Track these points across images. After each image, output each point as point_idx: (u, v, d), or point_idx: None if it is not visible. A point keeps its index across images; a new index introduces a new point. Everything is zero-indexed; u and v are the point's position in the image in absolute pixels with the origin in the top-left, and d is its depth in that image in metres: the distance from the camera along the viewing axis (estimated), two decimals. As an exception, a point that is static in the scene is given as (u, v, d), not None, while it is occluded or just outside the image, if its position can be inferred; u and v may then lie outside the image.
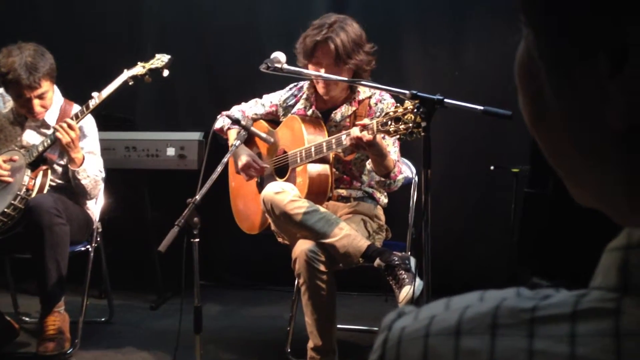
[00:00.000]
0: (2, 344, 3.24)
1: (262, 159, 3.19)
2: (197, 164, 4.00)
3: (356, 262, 2.79)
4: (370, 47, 2.96)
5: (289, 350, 3.14)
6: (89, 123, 3.36)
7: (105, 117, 3.84)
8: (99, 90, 3.17)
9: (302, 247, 2.73)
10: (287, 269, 2.83)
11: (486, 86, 3.83)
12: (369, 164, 3.02)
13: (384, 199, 3.13)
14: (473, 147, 4.11)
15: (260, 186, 3.17)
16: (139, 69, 3.20)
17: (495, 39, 3.90)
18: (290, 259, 2.79)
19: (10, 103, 3.35)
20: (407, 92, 2.32)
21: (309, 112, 3.09)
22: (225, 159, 2.67)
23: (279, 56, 2.69)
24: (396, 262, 2.69)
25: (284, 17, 4.31)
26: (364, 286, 4.06)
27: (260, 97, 3.26)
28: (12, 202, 3.14)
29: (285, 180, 3.01)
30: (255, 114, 3.22)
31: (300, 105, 3.13)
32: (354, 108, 3.03)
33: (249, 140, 3.11)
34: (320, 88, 3.00)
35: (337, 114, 3.04)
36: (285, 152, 3.07)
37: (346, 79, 2.87)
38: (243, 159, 3.08)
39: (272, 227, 2.97)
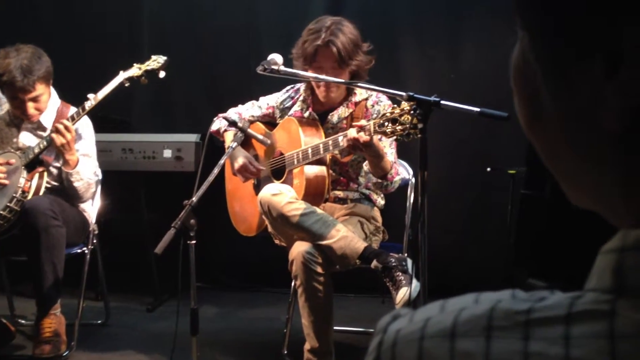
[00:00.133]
0: (-2, 346, 3.24)
1: (259, 161, 3.19)
2: (194, 166, 4.00)
3: (353, 264, 2.78)
4: (367, 46, 2.97)
5: (285, 352, 3.13)
6: (85, 125, 3.35)
7: (102, 119, 3.83)
8: (96, 92, 3.16)
9: (299, 248, 2.73)
10: (284, 270, 2.83)
11: (483, 88, 3.83)
12: (365, 166, 3.02)
13: (380, 201, 3.13)
14: (470, 149, 4.11)
15: (257, 188, 3.17)
16: (135, 70, 3.20)
17: (492, 41, 3.90)
18: (287, 260, 2.79)
19: (6, 105, 3.35)
20: (403, 93, 2.32)
21: (306, 114, 3.09)
22: (221, 161, 2.66)
23: (276, 58, 2.69)
24: (393, 264, 2.68)
25: (281, 19, 4.32)
26: (361, 288, 4.06)
27: (257, 99, 3.26)
28: (8, 204, 3.13)
29: (282, 182, 3.01)
30: (252, 116, 3.22)
31: (297, 107, 3.13)
32: (350, 110, 3.04)
33: (246, 142, 3.11)
34: (321, 92, 3.00)
35: (334, 116, 3.04)
36: (282, 154, 3.07)
37: (342, 80, 2.87)
38: (239, 161, 3.08)
39: (269, 228, 2.96)
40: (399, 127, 2.41)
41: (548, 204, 2.69)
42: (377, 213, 3.11)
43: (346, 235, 2.74)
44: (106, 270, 3.65)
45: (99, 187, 3.47)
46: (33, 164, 3.26)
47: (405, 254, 2.97)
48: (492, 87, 3.50)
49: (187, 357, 2.66)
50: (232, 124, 2.90)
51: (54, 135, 3.14)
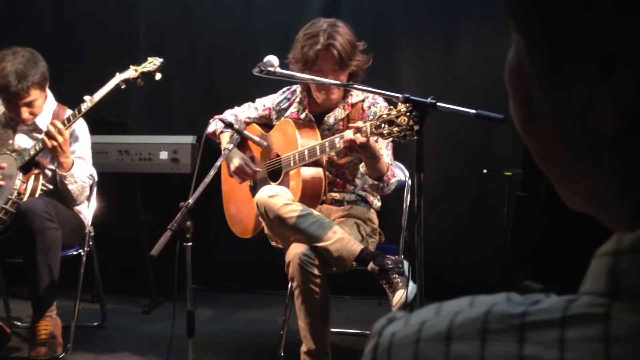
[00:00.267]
0: (-7, 348, 3.23)
1: (255, 162, 3.19)
2: (190, 168, 4.00)
3: (350, 266, 2.78)
4: (362, 45, 2.98)
5: (282, 354, 3.13)
6: (81, 127, 3.35)
7: (98, 121, 3.83)
8: (92, 93, 3.16)
9: (296, 250, 2.73)
10: (281, 272, 2.82)
11: (479, 89, 3.84)
12: (362, 168, 3.02)
13: (377, 203, 3.14)
14: (466, 151, 4.12)
15: (254, 190, 3.17)
16: (131, 72, 3.19)
17: (488, 42, 3.91)
18: (283, 262, 2.79)
19: (1, 107, 3.34)
20: (399, 95, 2.32)
21: (302, 116, 3.09)
22: (218, 163, 2.66)
23: (272, 60, 2.69)
24: (390, 266, 2.68)
25: (277, 20, 4.32)
26: (358, 290, 4.06)
27: (253, 101, 3.26)
28: (4, 206, 3.13)
29: (279, 184, 3.01)
30: (248, 118, 3.22)
31: (293, 109, 3.13)
32: (347, 111, 3.04)
33: (242, 144, 3.11)
34: (321, 96, 3.00)
35: (331, 118, 3.04)
36: (278, 155, 3.07)
37: (339, 82, 2.87)
38: (235, 162, 3.08)
39: (266, 230, 2.96)
40: (395, 129, 2.41)
41: (544, 206, 2.69)
42: (373, 215, 3.11)
43: (343, 237, 2.74)
44: (102, 272, 3.64)
45: (95, 189, 3.46)
46: (29, 165, 3.26)
47: (402, 256, 2.97)
48: (489, 89, 3.51)
49: (183, 359, 2.65)
50: (228, 125, 2.90)
51: (45, 137, 3.13)
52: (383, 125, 2.47)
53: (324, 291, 2.75)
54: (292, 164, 2.94)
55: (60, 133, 3.12)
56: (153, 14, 4.54)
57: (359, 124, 2.65)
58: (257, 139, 2.93)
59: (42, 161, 3.28)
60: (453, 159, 4.11)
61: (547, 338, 0.42)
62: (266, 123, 3.24)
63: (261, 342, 3.50)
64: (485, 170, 3.70)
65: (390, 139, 2.48)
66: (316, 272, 2.71)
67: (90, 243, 3.44)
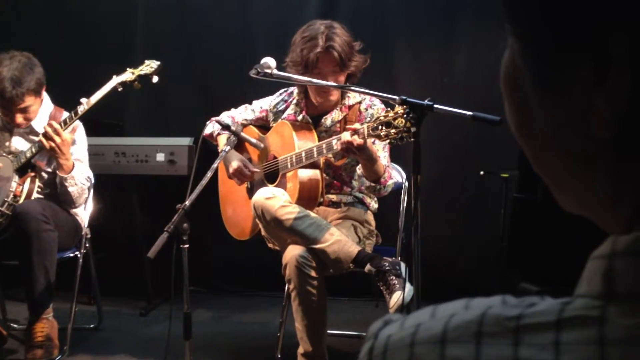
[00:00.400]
0: (-10, 351, 3.22)
1: (252, 164, 3.19)
2: (187, 170, 4.00)
3: (347, 268, 2.78)
4: (358, 45, 2.98)
5: (279, 356, 3.13)
6: (78, 130, 3.35)
7: (95, 123, 3.82)
8: (89, 96, 3.16)
9: (293, 252, 2.73)
10: (278, 274, 2.82)
11: (476, 92, 3.85)
12: (359, 169, 3.02)
13: (374, 204, 3.14)
14: (463, 153, 4.12)
15: (251, 192, 3.16)
16: (128, 75, 3.19)
17: (485, 44, 3.91)
18: (280, 264, 2.78)
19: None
20: (396, 97, 2.32)
21: (299, 118, 3.09)
22: (215, 165, 2.66)
23: (269, 62, 2.69)
24: (387, 268, 2.68)
25: (274, 23, 4.32)
26: (355, 292, 4.06)
27: (250, 103, 3.26)
28: (0, 208, 3.12)
29: (276, 186, 3.01)
30: (245, 120, 3.22)
31: (290, 111, 3.13)
32: (344, 113, 3.04)
33: (239, 146, 3.11)
34: (319, 98, 3.00)
35: (328, 119, 3.05)
36: (275, 157, 3.07)
37: (336, 84, 2.88)
38: (234, 164, 3.08)
39: (263, 232, 2.96)
40: (392, 131, 2.41)
41: (541, 207, 2.69)
42: (370, 217, 3.11)
43: (340, 239, 2.74)
44: (99, 274, 3.63)
45: (92, 191, 3.46)
46: (25, 168, 3.25)
47: (399, 258, 2.97)
48: (485, 91, 3.52)
49: (180, 361, 2.66)
50: (225, 127, 2.90)
51: (42, 138, 3.13)
52: (380, 127, 2.47)
53: (320, 293, 2.75)
54: (289, 166, 2.95)
55: (57, 134, 3.11)
56: (150, 16, 4.53)
57: (356, 125, 2.65)
58: (254, 141, 2.92)
59: (39, 164, 3.28)
60: (450, 160, 4.12)
61: (542, 341, 0.42)
62: (263, 125, 3.25)
63: (258, 344, 3.50)
64: (482, 172, 3.70)
65: (387, 140, 2.48)
66: (313, 274, 2.71)
67: (87, 245, 3.44)
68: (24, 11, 4.62)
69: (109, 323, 3.76)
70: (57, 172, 3.21)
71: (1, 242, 3.14)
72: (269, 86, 3.06)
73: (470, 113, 2.23)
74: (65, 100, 3.42)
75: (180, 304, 2.56)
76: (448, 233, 4.14)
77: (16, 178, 3.21)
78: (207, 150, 3.32)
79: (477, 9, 4.00)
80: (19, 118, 3.21)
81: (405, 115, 2.32)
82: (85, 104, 3.14)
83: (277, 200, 2.77)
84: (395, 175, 3.08)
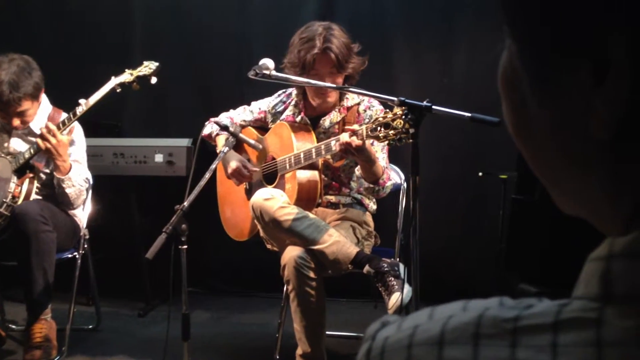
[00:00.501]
0: (-12, 352, 3.22)
1: (250, 164, 3.19)
2: (186, 171, 3.99)
3: (345, 269, 2.78)
4: (357, 47, 2.98)
5: (277, 357, 3.13)
6: (77, 131, 3.34)
7: (93, 124, 3.82)
8: (88, 97, 3.16)
9: (291, 253, 2.73)
10: (276, 275, 2.82)
11: (475, 93, 3.84)
12: (357, 171, 3.02)
13: (372, 206, 3.14)
14: (462, 154, 4.12)
15: (249, 193, 3.16)
16: (127, 76, 3.19)
17: (485, 45, 3.91)
18: (279, 265, 2.78)
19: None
20: (395, 98, 2.32)
21: (298, 119, 3.09)
22: (213, 166, 2.66)
23: (267, 63, 2.69)
24: (385, 269, 2.68)
25: (273, 24, 4.32)
26: (353, 293, 4.06)
27: (249, 104, 3.26)
28: (-2, 209, 3.13)
29: (274, 187, 3.01)
30: (244, 121, 3.22)
31: (288, 112, 3.13)
32: (342, 115, 3.04)
33: (238, 147, 3.11)
34: (318, 99, 3.00)
35: (326, 121, 3.05)
36: (274, 158, 3.07)
37: (334, 85, 2.88)
38: (232, 164, 3.08)
39: (261, 233, 2.96)
40: (391, 132, 2.41)
41: (539, 209, 2.69)
42: (369, 218, 3.11)
43: (338, 240, 2.74)
44: (97, 275, 3.63)
45: (90, 192, 3.46)
46: (23, 169, 3.25)
47: (398, 259, 2.98)
48: (484, 92, 3.52)
49: (178, 362, 2.65)
50: (224, 128, 2.90)
51: (38, 140, 3.13)
52: (379, 128, 2.48)
53: (319, 294, 2.75)
54: (287, 167, 2.95)
55: (53, 135, 3.11)
56: (148, 17, 4.53)
57: (355, 127, 2.65)
58: (252, 142, 2.93)
59: (37, 165, 3.28)
60: (448, 162, 4.12)
61: (539, 342, 0.42)
62: (262, 126, 3.25)
63: (257, 345, 3.49)
64: (480, 173, 3.70)
65: (386, 142, 2.48)
66: (312, 275, 2.71)
67: (85, 246, 3.44)
68: (23, 11, 4.61)
69: (107, 324, 3.76)
70: (55, 173, 3.20)
71: (0, 243, 3.13)
72: (267, 87, 3.06)
73: (469, 114, 2.23)
74: (64, 101, 3.42)
75: (178, 304, 2.55)
76: (447, 234, 4.14)
77: (15, 179, 3.21)
78: (205, 151, 3.31)
79: (476, 9, 4.00)
80: (16, 121, 3.22)
81: (403, 117, 2.33)
82: (83, 105, 3.14)
83: (276, 201, 2.77)
84: (394, 176, 3.08)
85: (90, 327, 3.71)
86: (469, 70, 4.05)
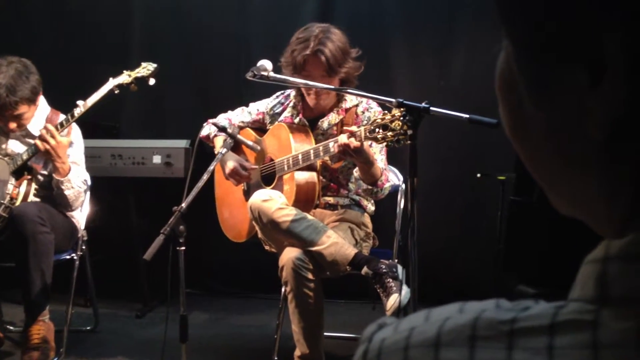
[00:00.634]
0: (-14, 353, 3.21)
1: (248, 164, 3.19)
2: (184, 172, 3.99)
3: (343, 270, 2.78)
4: (356, 52, 2.97)
5: (276, 358, 3.12)
6: (75, 133, 3.34)
7: (91, 125, 3.82)
8: (86, 98, 3.15)
9: (289, 255, 2.73)
10: (274, 277, 2.82)
11: (473, 94, 3.84)
12: (356, 172, 3.02)
13: (371, 207, 3.14)
14: (460, 155, 4.12)
15: (247, 194, 3.16)
16: (125, 77, 3.19)
17: (483, 47, 3.91)
18: (277, 266, 2.78)
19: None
20: (393, 100, 2.32)
21: (296, 120, 3.09)
22: (211, 167, 2.66)
23: (266, 64, 2.69)
24: (383, 270, 2.69)
25: (271, 25, 4.32)
26: (352, 294, 4.06)
27: (247, 105, 3.26)
28: (-4, 211, 3.13)
29: (273, 188, 3.01)
30: (242, 122, 3.22)
31: (287, 113, 3.13)
32: (341, 116, 3.04)
33: (236, 148, 3.11)
34: (311, 100, 3.00)
35: (324, 122, 3.05)
36: (272, 159, 3.07)
37: (333, 87, 2.88)
38: (230, 165, 3.08)
39: (259, 235, 2.96)
40: (389, 134, 2.41)
41: (537, 210, 2.69)
42: (367, 219, 3.11)
43: (337, 242, 2.74)
44: (95, 276, 3.63)
45: (88, 194, 3.45)
46: (21, 170, 3.25)
47: (396, 260, 2.97)
48: (482, 93, 3.52)
49: (176, 364, 2.65)
50: (222, 129, 2.90)
51: (37, 141, 3.12)
52: (377, 129, 2.48)
53: (317, 295, 2.75)
54: (285, 168, 2.94)
55: (52, 136, 3.10)
56: (147, 18, 4.53)
57: (353, 128, 2.65)
58: (250, 143, 2.92)
59: (35, 166, 3.27)
60: (447, 163, 4.12)
61: (536, 345, 0.42)
62: (260, 127, 3.24)
63: (255, 347, 3.49)
64: (478, 175, 3.70)
65: (384, 143, 2.48)
66: (310, 276, 2.71)
67: (83, 247, 3.43)
68: (22, 12, 4.61)
69: (105, 325, 3.76)
70: (53, 175, 3.20)
71: (-3, 244, 3.13)
72: (266, 88, 3.06)
73: (467, 116, 2.23)
74: (62, 102, 3.41)
75: (176, 306, 2.55)
76: (445, 235, 4.14)
77: (13, 180, 3.21)
78: (203, 153, 3.32)
79: (475, 10, 4.00)
80: (12, 124, 3.22)
81: (402, 118, 2.33)
82: (81, 107, 3.14)
83: (274, 202, 2.77)
84: (392, 177, 3.08)
85: (88, 328, 3.71)
86: (467, 72, 4.05)
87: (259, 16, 4.39)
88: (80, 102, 3.15)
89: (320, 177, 3.00)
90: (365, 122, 2.95)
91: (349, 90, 2.84)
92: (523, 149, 0.51)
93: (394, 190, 3.16)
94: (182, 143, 4.08)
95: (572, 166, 0.48)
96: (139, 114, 4.57)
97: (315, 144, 2.93)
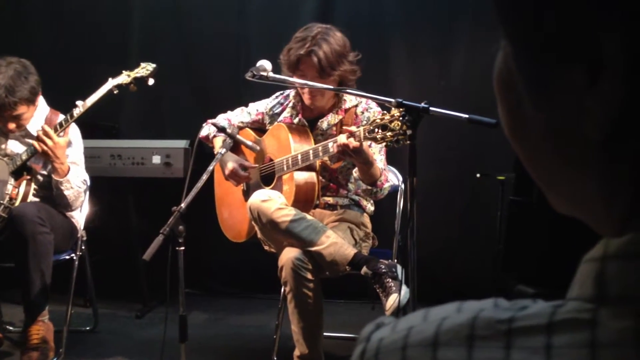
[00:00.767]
0: (-15, 353, 3.21)
1: (248, 164, 3.19)
2: (183, 172, 3.99)
3: (343, 270, 2.78)
4: (354, 56, 2.96)
5: (275, 358, 3.13)
6: (74, 133, 3.34)
7: (90, 125, 3.82)
8: (85, 99, 3.15)
9: (289, 255, 2.73)
10: (274, 277, 2.82)
11: (473, 94, 3.84)
12: (355, 172, 3.02)
13: (370, 207, 3.14)
14: (459, 155, 4.12)
15: (247, 194, 3.16)
16: (124, 77, 3.19)
17: (482, 47, 3.91)
18: (276, 267, 2.78)
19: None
20: (392, 100, 2.32)
21: (296, 120, 3.09)
22: (210, 167, 2.66)
23: (265, 64, 2.69)
24: (383, 270, 2.69)
25: (270, 25, 4.32)
26: (351, 294, 4.06)
27: (246, 106, 3.26)
28: (-4, 211, 3.13)
29: (272, 188, 3.01)
30: (242, 122, 3.22)
31: (286, 114, 3.13)
32: (340, 117, 3.04)
33: (235, 148, 3.11)
34: (306, 99, 3.01)
35: (324, 123, 3.05)
36: (271, 160, 3.07)
37: (332, 87, 2.88)
38: (229, 166, 3.08)
39: (259, 235, 2.96)
40: (388, 134, 2.41)
41: (537, 210, 2.69)
42: (366, 219, 3.11)
43: (336, 242, 2.74)
44: (94, 276, 3.63)
45: (87, 194, 3.45)
46: (20, 171, 3.25)
47: (395, 260, 2.97)
48: (482, 93, 3.52)
49: (175, 364, 2.65)
50: (221, 130, 2.90)
51: (34, 142, 3.12)
52: (376, 129, 2.47)
53: (317, 295, 2.75)
54: (285, 169, 2.94)
55: (49, 137, 3.10)
56: (146, 18, 4.53)
57: (352, 128, 2.65)
58: (250, 143, 2.92)
59: (34, 166, 3.27)
60: (446, 163, 4.12)
61: (534, 344, 0.42)
62: (259, 128, 3.24)
63: (254, 347, 3.49)
64: (478, 175, 3.70)
65: (384, 143, 2.48)
66: (309, 276, 2.71)
67: (83, 247, 3.43)
68: (22, 12, 4.61)
69: (104, 325, 3.76)
70: (52, 175, 3.20)
71: (-3, 245, 3.13)
72: (265, 88, 3.06)
73: (467, 116, 2.23)
74: (61, 102, 3.41)
75: (175, 306, 2.55)
76: (444, 235, 4.14)
77: (12, 181, 3.21)
78: (203, 153, 3.32)
79: (475, 10, 4.00)
80: (11, 125, 3.22)
81: (401, 118, 2.33)
82: (80, 107, 3.14)
83: (273, 202, 2.77)
84: (392, 178, 3.08)
85: (88, 328, 3.71)
86: (467, 72, 4.05)
87: (258, 16, 4.39)
88: (79, 103, 3.15)
89: (320, 177, 3.00)
90: (364, 122, 2.94)
91: (347, 91, 2.84)
92: (522, 149, 0.51)
93: (394, 190, 3.16)
94: (182, 143, 4.08)
95: (570, 166, 0.48)
96: (138, 114, 4.57)
97: (315, 144, 2.93)
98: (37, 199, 3.26)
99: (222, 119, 3.17)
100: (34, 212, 3.03)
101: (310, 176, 2.95)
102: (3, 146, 3.32)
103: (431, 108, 2.24)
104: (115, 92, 3.19)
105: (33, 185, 3.24)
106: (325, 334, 2.95)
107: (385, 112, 2.53)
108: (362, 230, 3.04)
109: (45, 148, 3.10)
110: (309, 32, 2.90)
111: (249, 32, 4.39)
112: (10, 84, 3.09)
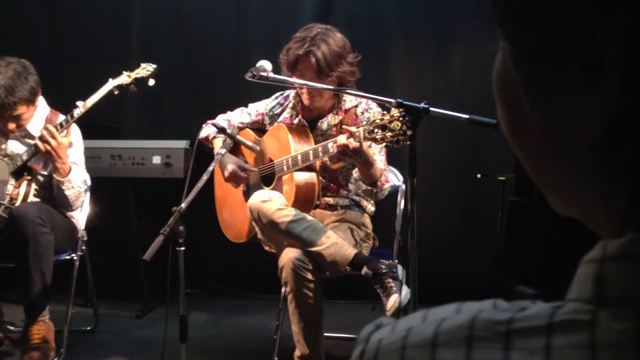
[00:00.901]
0: (-15, 353, 3.22)
1: (247, 165, 3.19)
2: (183, 173, 3.99)
3: (343, 271, 2.78)
4: (353, 57, 2.96)
5: (275, 359, 3.12)
6: (75, 133, 3.34)
7: (91, 126, 3.82)
8: (85, 99, 3.15)
9: (289, 255, 2.73)
10: (274, 277, 2.82)
11: (473, 94, 3.84)
12: (355, 173, 3.02)
13: (370, 207, 3.13)
14: (460, 155, 4.12)
15: (247, 195, 3.16)
16: (125, 78, 3.19)
17: (482, 47, 3.91)
18: (277, 267, 2.78)
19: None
20: (392, 100, 2.32)
21: (295, 121, 3.09)
22: (210, 168, 2.66)
23: (265, 65, 2.69)
24: (383, 271, 2.68)
25: (270, 26, 4.32)
26: (351, 294, 4.05)
27: (246, 106, 3.26)
28: (-4, 211, 3.13)
29: (272, 189, 3.01)
30: (241, 123, 3.22)
31: (286, 114, 3.13)
32: (340, 117, 3.04)
33: (235, 149, 3.11)
34: (305, 99, 3.01)
35: (324, 123, 3.05)
36: (271, 160, 3.07)
37: (332, 87, 2.88)
38: (229, 168, 3.08)
39: (259, 235, 2.96)
40: (388, 134, 2.41)
41: (537, 210, 2.69)
42: (367, 219, 3.11)
43: (336, 242, 2.74)
44: (95, 276, 3.63)
45: (88, 194, 3.46)
46: (21, 171, 3.25)
47: (396, 261, 2.97)
48: (482, 94, 3.52)
49: (176, 364, 2.65)
50: (221, 130, 2.90)
51: (38, 142, 3.13)
52: (376, 130, 2.47)
53: (317, 296, 2.75)
54: (285, 169, 2.94)
55: (53, 137, 3.11)
56: (145, 19, 4.53)
57: (352, 128, 2.65)
58: (250, 143, 2.93)
59: (35, 167, 3.27)
60: (446, 163, 4.12)
61: (533, 345, 0.42)
62: (259, 128, 3.24)
63: (254, 347, 3.49)
64: (478, 175, 3.70)
65: (384, 144, 2.48)
66: (310, 276, 2.71)
67: (83, 247, 3.43)
68: (21, 12, 4.61)
69: (105, 325, 3.76)
70: (54, 175, 3.20)
71: (-2, 245, 3.13)
72: (265, 89, 3.06)
73: (467, 116, 2.23)
74: (61, 102, 3.42)
75: (176, 306, 2.55)
76: (445, 236, 4.14)
77: (12, 181, 3.21)
78: (203, 153, 3.32)
79: (475, 10, 4.00)
80: (11, 125, 3.22)
81: (401, 118, 2.33)
82: (81, 107, 3.14)
83: (273, 203, 2.77)
84: (392, 178, 3.08)
85: (88, 328, 3.71)
86: (467, 72, 4.05)
87: (258, 17, 4.38)
88: (79, 103, 3.15)
89: (320, 178, 3.00)
90: (364, 122, 2.94)
91: (347, 91, 2.84)
92: (520, 148, 0.52)
93: (394, 190, 3.16)
94: (182, 143, 4.08)
95: (568, 167, 0.48)
96: (138, 114, 4.56)
97: (315, 144, 2.93)
98: (37, 199, 3.27)
99: (221, 120, 3.17)
100: (35, 213, 3.04)
101: (310, 176, 2.95)
102: (3, 146, 3.32)
103: (431, 108, 2.24)
104: (115, 92, 3.19)
105: (33, 186, 3.24)
106: (325, 334, 2.95)
107: (385, 112, 2.53)
108: (362, 231, 3.04)
109: (49, 148, 3.11)
110: (309, 33, 2.90)
111: (249, 33, 4.39)
112: (10, 84, 3.09)
